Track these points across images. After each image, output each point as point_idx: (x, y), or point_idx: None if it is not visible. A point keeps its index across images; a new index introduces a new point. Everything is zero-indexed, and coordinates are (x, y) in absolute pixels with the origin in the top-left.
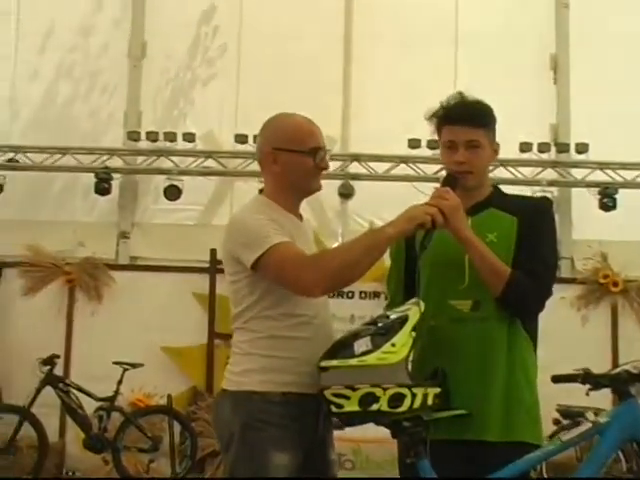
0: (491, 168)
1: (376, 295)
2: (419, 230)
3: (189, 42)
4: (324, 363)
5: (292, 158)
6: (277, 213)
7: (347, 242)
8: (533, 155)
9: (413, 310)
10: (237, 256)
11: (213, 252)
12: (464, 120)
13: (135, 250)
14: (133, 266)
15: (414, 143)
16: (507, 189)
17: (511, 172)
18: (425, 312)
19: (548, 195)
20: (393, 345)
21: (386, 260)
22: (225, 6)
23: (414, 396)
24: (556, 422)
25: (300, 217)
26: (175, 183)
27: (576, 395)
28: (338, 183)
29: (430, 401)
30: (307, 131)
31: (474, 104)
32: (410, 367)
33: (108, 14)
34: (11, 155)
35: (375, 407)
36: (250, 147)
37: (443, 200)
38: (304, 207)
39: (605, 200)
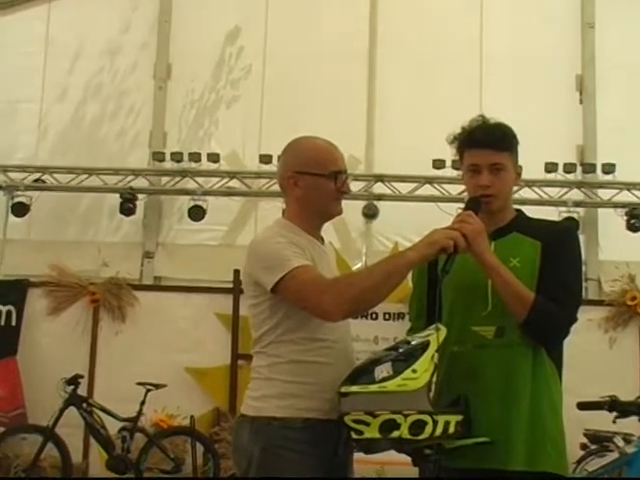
0: (516, 188)
1: (400, 316)
2: (441, 254)
3: (214, 63)
4: (344, 389)
5: (313, 181)
6: (298, 236)
7: (368, 267)
8: (559, 175)
9: (434, 336)
10: (257, 279)
11: (236, 272)
12: (488, 144)
13: (159, 270)
14: (157, 286)
15: (438, 163)
16: (532, 210)
17: (537, 193)
18: (448, 338)
19: (574, 216)
20: (414, 371)
21: (411, 281)
22: (250, 27)
23: (435, 423)
24: (584, 447)
25: (322, 240)
26: (199, 203)
27: (604, 418)
28: (362, 204)
29: (452, 429)
30: (328, 154)
31: (497, 127)
32: (432, 394)
33: (135, 36)
34: (38, 175)
35: (396, 434)
36: (274, 167)
37: (466, 224)
38: (328, 228)
39: (632, 221)
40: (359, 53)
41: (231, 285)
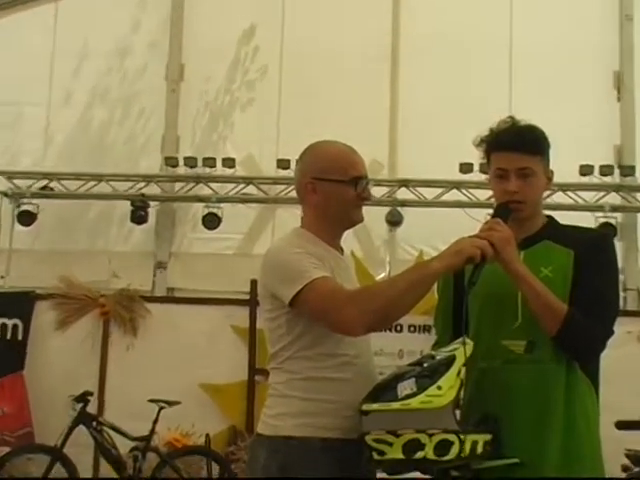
0: (548, 193)
1: (426, 329)
2: (468, 264)
3: (228, 63)
4: (365, 407)
5: (332, 188)
6: (317, 246)
7: (391, 277)
8: (595, 178)
9: (461, 350)
10: (274, 292)
11: (254, 283)
12: (516, 147)
13: (172, 281)
14: (170, 298)
15: (466, 167)
16: (567, 215)
17: (571, 197)
18: (475, 353)
19: (611, 221)
20: (439, 388)
21: (436, 292)
22: (265, 25)
23: (462, 443)
24: (625, 469)
25: (341, 251)
26: (214, 211)
27: None
28: (386, 210)
29: (480, 449)
30: (348, 159)
31: (526, 129)
32: (458, 412)
33: (145, 35)
34: (45, 182)
35: (420, 455)
36: (292, 173)
37: (494, 232)
38: (349, 236)
39: None
40: (381, 51)
41: (248, 296)
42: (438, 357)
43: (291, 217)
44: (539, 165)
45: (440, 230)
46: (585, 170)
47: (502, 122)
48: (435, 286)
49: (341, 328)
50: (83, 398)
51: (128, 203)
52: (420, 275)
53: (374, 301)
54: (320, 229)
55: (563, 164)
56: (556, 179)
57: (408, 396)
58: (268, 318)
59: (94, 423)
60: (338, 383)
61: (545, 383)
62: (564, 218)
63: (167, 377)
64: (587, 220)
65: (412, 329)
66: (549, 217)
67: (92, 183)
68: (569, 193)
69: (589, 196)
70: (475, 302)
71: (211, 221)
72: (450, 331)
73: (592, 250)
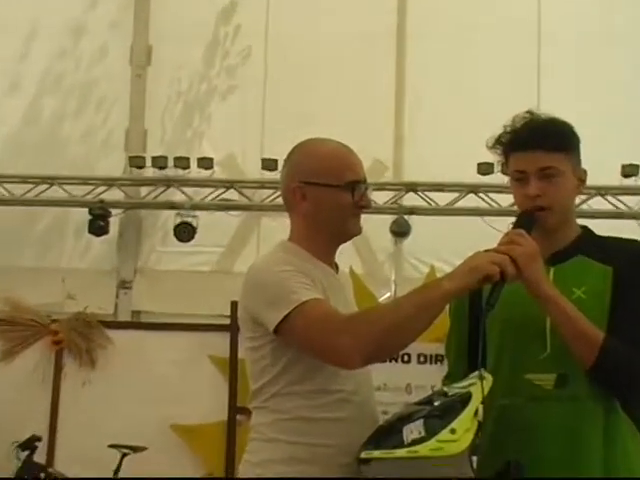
0: (584, 198)
1: (439, 359)
2: (485, 284)
3: (204, 45)
4: (365, 454)
5: (325, 194)
6: (307, 263)
7: (395, 300)
8: None
9: (478, 386)
10: (257, 316)
11: (235, 305)
12: (535, 143)
13: (138, 303)
14: (135, 323)
15: (485, 168)
16: (607, 224)
17: (611, 203)
18: (494, 388)
19: None
20: (453, 431)
21: (449, 316)
22: (249, 1)
23: None
24: None
25: (335, 268)
26: (188, 220)
27: None
28: (391, 219)
29: None
30: (344, 160)
31: (547, 123)
32: (475, 459)
33: (104, 12)
34: None
35: None
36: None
37: (516, 245)
38: (347, 249)
39: None
40: (385, 34)
41: (228, 321)
42: (451, 394)
43: (279, 227)
44: (565, 163)
45: (454, 242)
46: (628, 171)
47: (519, 117)
48: (447, 309)
49: (335, 359)
50: (29, 444)
51: (85, 211)
52: (429, 297)
53: (374, 327)
54: (311, 242)
55: (602, 165)
56: (594, 182)
57: (416, 441)
58: (250, 347)
59: (42, 475)
60: (332, 424)
61: (579, 424)
62: (604, 227)
63: (132, 418)
64: (631, 230)
65: (422, 359)
66: (583, 227)
67: (42, 187)
68: (609, 198)
69: (633, 201)
70: (494, 328)
71: (184, 232)
72: (464, 362)
73: (634, 266)
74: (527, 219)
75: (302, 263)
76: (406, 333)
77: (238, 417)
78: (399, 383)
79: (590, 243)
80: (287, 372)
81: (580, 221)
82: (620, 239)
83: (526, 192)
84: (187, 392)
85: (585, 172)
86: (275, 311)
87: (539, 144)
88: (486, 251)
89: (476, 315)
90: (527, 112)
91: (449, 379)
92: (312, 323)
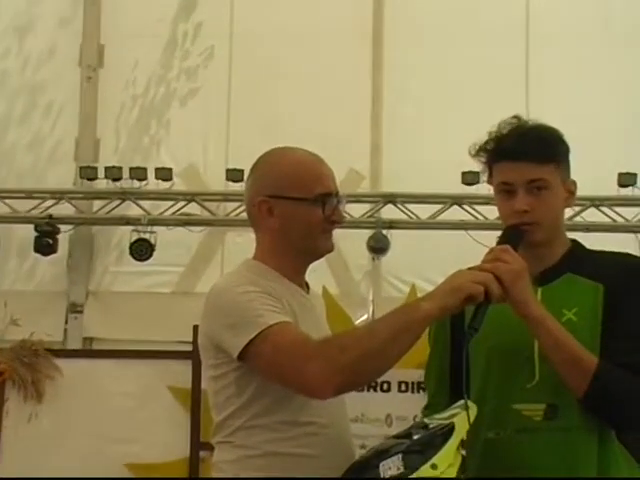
0: (577, 209)
1: (421, 387)
2: (468, 305)
3: (162, 45)
4: None
5: (292, 209)
6: (273, 282)
7: (369, 323)
8: (638, 191)
9: (461, 417)
10: (219, 342)
11: (197, 330)
12: (522, 154)
13: (90, 329)
14: (87, 351)
15: (470, 177)
16: (603, 237)
17: (607, 215)
18: (479, 419)
19: None
20: (434, 467)
21: (428, 341)
22: None
23: None
24: None
25: (306, 288)
26: (145, 236)
27: None
28: (368, 233)
29: None
30: (313, 172)
31: (536, 130)
32: None
33: (51, 9)
34: None
35: None
36: None
37: (501, 263)
38: (321, 267)
39: None
40: (361, 34)
41: (190, 347)
42: (432, 426)
43: (245, 244)
44: (555, 176)
45: (437, 259)
46: (625, 180)
47: (505, 123)
48: (426, 333)
49: (305, 388)
50: None
51: (31, 227)
52: (407, 320)
53: (347, 354)
54: (278, 260)
55: (596, 173)
56: (588, 192)
57: (394, 478)
58: (212, 376)
59: None
60: (301, 460)
61: (572, 458)
62: (600, 241)
63: (83, 456)
64: (628, 243)
65: (403, 387)
66: (573, 241)
67: None
68: (604, 209)
69: (630, 213)
70: (478, 354)
71: (141, 250)
72: (446, 391)
73: (627, 282)
74: (514, 234)
75: (268, 283)
76: (383, 359)
77: (202, 454)
78: (378, 414)
79: (579, 259)
80: (254, 403)
81: (574, 235)
82: (611, 253)
83: (513, 206)
84: (144, 427)
85: (575, 183)
86: (239, 335)
87: (528, 154)
88: (469, 269)
89: (458, 340)
90: (514, 117)
91: (429, 409)
92: (279, 349)
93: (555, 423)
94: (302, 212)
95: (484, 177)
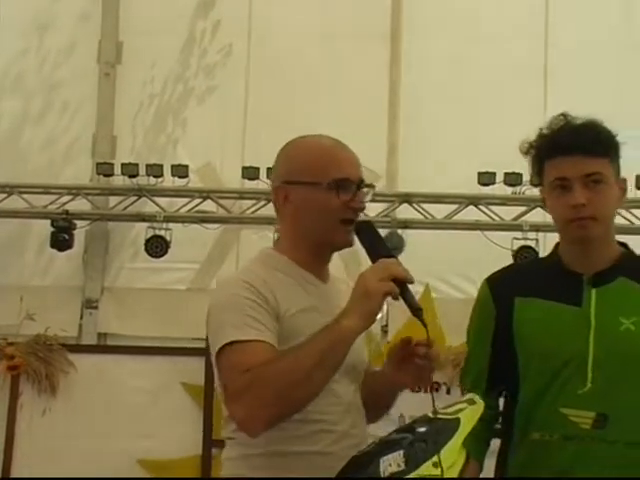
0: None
1: (434, 386)
2: (388, 299)
3: (180, 43)
4: None
5: (307, 194)
6: (282, 273)
7: (292, 348)
8: None
9: (468, 411)
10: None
11: None
12: (578, 147)
13: (105, 325)
14: (101, 347)
15: (487, 178)
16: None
17: (624, 217)
18: (530, 420)
19: None
20: (435, 465)
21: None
22: None
23: None
24: None
25: (325, 277)
26: (161, 233)
27: None
28: (383, 233)
29: None
30: (329, 155)
31: (589, 125)
32: None
33: (70, 6)
34: None
35: None
36: (262, 184)
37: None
38: (334, 267)
39: None
40: (379, 31)
41: (204, 344)
42: (436, 420)
43: (260, 241)
44: (609, 169)
45: (452, 259)
46: None
47: (554, 121)
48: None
49: (238, 426)
50: None
51: (48, 222)
52: (331, 340)
53: (270, 388)
54: (295, 249)
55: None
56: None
57: (394, 475)
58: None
59: None
60: (312, 458)
61: (618, 472)
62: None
63: (95, 451)
64: None
65: (417, 387)
66: (623, 244)
67: (0, 196)
68: (621, 211)
69: None
70: (530, 356)
71: (157, 246)
72: (481, 389)
73: None
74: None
75: (275, 274)
76: (310, 386)
77: (214, 451)
78: (391, 413)
79: (634, 263)
80: None
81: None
82: None
83: (569, 201)
84: (157, 423)
85: (625, 182)
86: (217, 338)
87: (583, 148)
88: (368, 271)
89: (501, 339)
90: (561, 115)
91: None
92: (227, 369)
93: (603, 433)
94: (316, 198)
95: (500, 178)
